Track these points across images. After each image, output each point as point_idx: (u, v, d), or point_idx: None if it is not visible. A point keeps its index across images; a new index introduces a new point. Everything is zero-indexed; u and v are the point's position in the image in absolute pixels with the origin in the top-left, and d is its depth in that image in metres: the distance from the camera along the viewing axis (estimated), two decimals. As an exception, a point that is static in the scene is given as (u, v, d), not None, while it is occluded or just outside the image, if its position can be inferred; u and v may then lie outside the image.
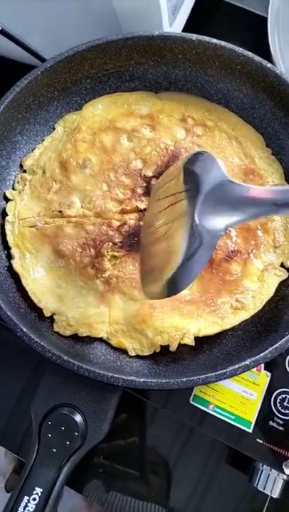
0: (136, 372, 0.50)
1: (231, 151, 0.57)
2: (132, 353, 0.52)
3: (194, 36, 0.54)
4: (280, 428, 0.55)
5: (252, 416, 0.56)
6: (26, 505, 0.45)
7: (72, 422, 0.47)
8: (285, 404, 0.56)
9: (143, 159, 0.56)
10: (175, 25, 0.62)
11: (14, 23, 0.52)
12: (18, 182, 0.56)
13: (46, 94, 0.55)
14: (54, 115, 0.58)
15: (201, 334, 0.52)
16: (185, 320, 0.52)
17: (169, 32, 0.55)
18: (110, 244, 0.53)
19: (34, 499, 0.45)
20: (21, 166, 0.57)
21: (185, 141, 0.57)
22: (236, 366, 0.45)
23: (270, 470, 0.54)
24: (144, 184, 0.55)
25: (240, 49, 0.54)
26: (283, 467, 0.54)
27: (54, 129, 0.58)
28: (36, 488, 0.46)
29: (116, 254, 0.53)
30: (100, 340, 0.53)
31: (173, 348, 0.51)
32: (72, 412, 0.47)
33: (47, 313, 0.52)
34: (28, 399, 0.55)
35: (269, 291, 0.54)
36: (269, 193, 0.39)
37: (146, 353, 0.52)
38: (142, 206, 0.55)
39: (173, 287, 0.41)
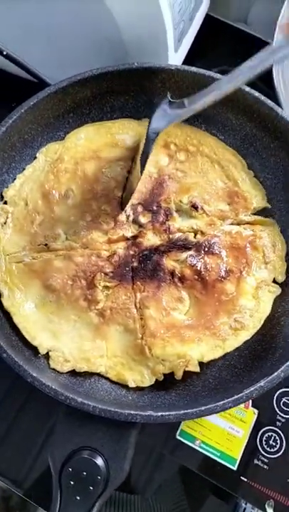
0: (150, 405, 0.50)
1: (214, 175, 0.58)
2: (132, 385, 0.51)
3: (173, 66, 0.56)
4: (265, 467, 0.55)
5: (237, 453, 0.56)
6: None
7: (93, 465, 0.44)
8: (271, 442, 0.56)
9: (124, 188, 0.56)
10: (180, 50, 0.63)
11: (20, 41, 0.54)
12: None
13: (30, 131, 0.56)
14: (39, 150, 0.57)
15: (205, 360, 0.52)
16: (186, 346, 0.51)
17: (148, 63, 0.56)
18: (102, 274, 0.52)
19: None
20: (2, 197, 0.56)
21: (168, 168, 0.58)
22: (252, 389, 0.45)
23: (253, 508, 0.54)
24: (129, 213, 0.55)
25: (218, 75, 0.55)
26: (266, 507, 0.54)
27: (35, 157, 0.57)
28: None
29: (108, 284, 0.53)
30: (100, 375, 0.52)
31: (178, 376, 0.51)
32: (92, 455, 0.45)
33: (43, 351, 0.51)
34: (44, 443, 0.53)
35: (266, 308, 0.54)
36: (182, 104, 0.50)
37: (146, 384, 0.51)
38: (128, 234, 0.55)
39: None
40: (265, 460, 0.56)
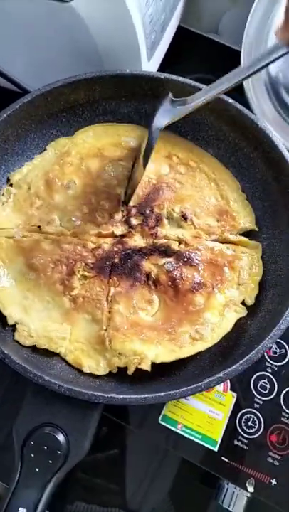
0: (114, 390, 0.52)
1: (209, 192, 0.61)
2: (87, 370, 0.53)
3: (162, 75, 0.59)
4: (245, 447, 0.57)
5: (218, 435, 0.58)
6: (11, 527, 0.45)
7: (54, 441, 0.47)
8: (250, 424, 0.58)
9: (125, 187, 0.59)
10: (153, 59, 0.66)
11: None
12: (3, 194, 0.59)
13: (24, 126, 0.59)
14: (31, 146, 0.61)
15: (158, 361, 0.53)
16: (145, 345, 0.53)
17: (139, 71, 0.60)
18: (83, 264, 0.55)
19: (18, 520, 0.46)
20: (8, 180, 0.60)
21: (168, 177, 0.60)
22: (210, 379, 0.48)
23: (235, 488, 0.56)
24: (125, 212, 0.58)
25: (205, 86, 0.59)
26: (247, 485, 0.56)
27: (45, 149, 0.61)
28: (20, 509, 0.46)
29: (86, 274, 0.55)
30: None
31: (130, 371, 0.53)
32: (54, 431, 0.48)
33: (10, 322, 0.54)
34: (8, 422, 0.55)
35: (227, 326, 0.56)
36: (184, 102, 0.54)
37: (100, 373, 0.53)
38: (118, 232, 0.58)
39: None
40: (245, 441, 0.58)
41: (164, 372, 0.54)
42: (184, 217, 0.58)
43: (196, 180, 0.61)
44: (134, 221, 0.58)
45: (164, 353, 0.53)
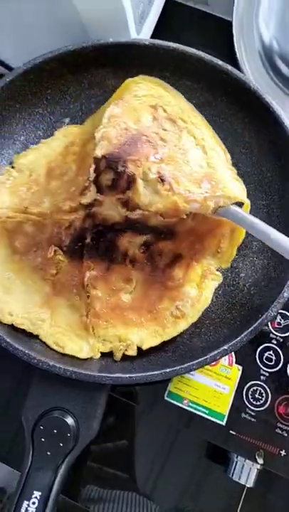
0: (121, 370, 0.51)
1: (194, 156, 0.53)
2: (68, 352, 0.52)
3: (147, 41, 0.56)
4: (252, 419, 0.57)
5: (225, 409, 0.58)
6: (26, 510, 0.46)
7: (63, 424, 0.48)
8: (257, 396, 0.58)
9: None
10: (142, 33, 0.64)
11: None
12: (2, 174, 0.57)
13: (8, 108, 0.57)
14: (17, 128, 0.59)
15: (144, 347, 0.52)
16: (128, 329, 0.52)
17: (122, 38, 0.57)
18: (57, 248, 0.53)
19: (34, 503, 0.47)
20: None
21: (149, 130, 0.52)
22: (216, 352, 0.47)
23: (244, 460, 0.56)
24: (94, 167, 0.50)
25: (193, 49, 0.55)
26: (256, 457, 0.56)
27: (53, 134, 0.59)
28: (35, 492, 0.47)
29: (61, 258, 0.53)
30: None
31: (117, 357, 0.52)
32: (63, 414, 0.48)
33: None
34: (15, 408, 0.56)
35: (207, 299, 0.54)
36: None
37: (83, 356, 0.52)
38: (85, 200, 0.51)
39: None
40: (252, 413, 0.58)
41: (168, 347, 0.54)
42: (162, 179, 0.48)
43: (180, 141, 0.53)
44: (103, 180, 0.50)
45: (149, 336, 0.52)
